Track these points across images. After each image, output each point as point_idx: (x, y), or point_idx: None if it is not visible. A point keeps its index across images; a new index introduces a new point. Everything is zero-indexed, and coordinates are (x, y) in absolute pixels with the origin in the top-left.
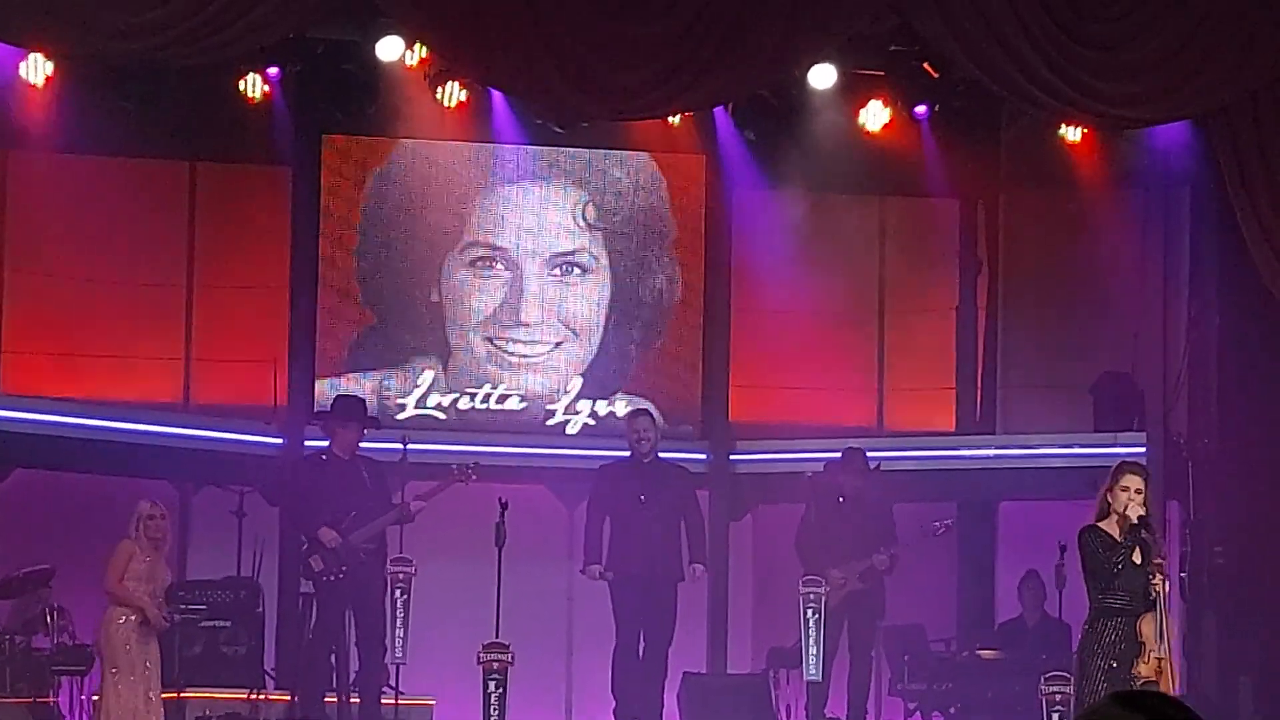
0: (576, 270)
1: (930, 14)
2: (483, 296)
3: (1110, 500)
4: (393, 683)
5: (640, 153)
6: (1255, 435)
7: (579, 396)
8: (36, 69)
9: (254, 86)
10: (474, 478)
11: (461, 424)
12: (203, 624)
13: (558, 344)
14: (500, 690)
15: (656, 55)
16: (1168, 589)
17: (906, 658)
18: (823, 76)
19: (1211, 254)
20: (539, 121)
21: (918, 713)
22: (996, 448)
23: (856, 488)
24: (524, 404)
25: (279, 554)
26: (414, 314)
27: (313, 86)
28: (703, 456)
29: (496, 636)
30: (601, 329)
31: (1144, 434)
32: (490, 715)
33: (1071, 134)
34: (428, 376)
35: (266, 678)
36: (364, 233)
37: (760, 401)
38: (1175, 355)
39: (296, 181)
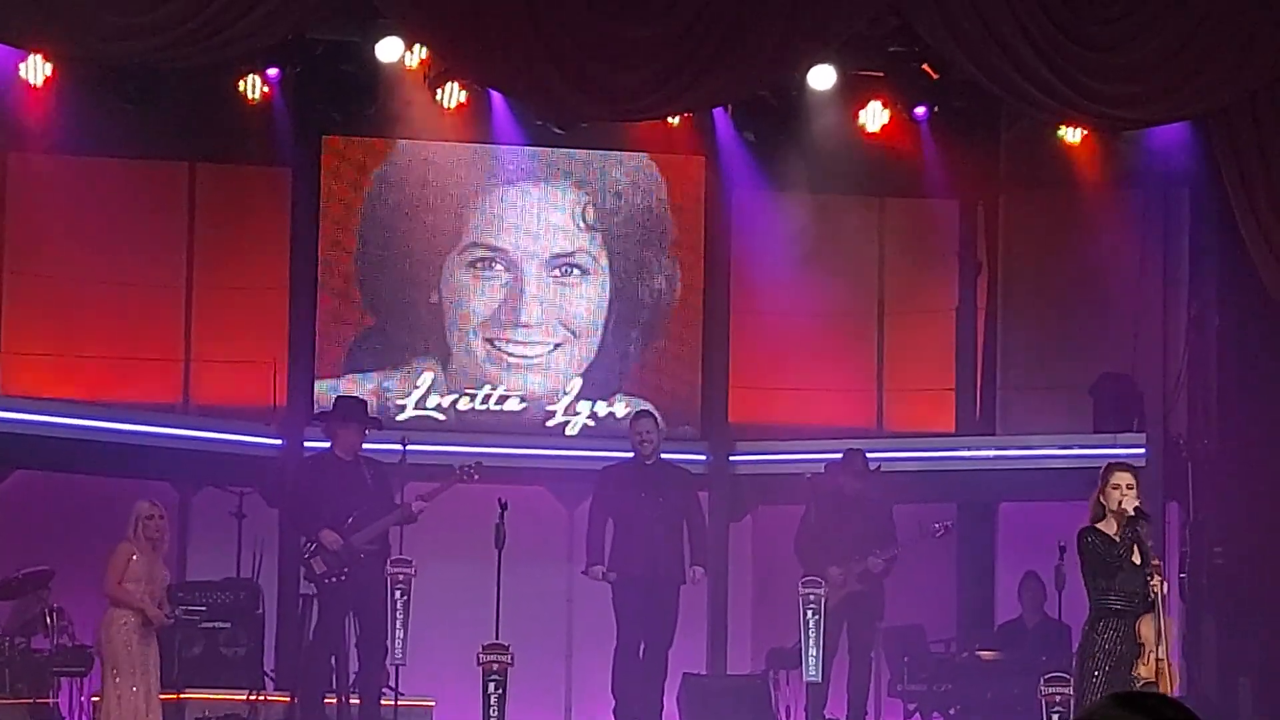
0: (576, 271)
1: (930, 15)
2: (482, 297)
3: (1104, 501)
4: (392, 684)
5: (640, 154)
6: (1255, 436)
7: (578, 397)
8: (36, 70)
9: (254, 87)
10: (476, 477)
11: (461, 425)
12: (202, 625)
13: (557, 345)
14: (500, 691)
15: (656, 56)
16: (1167, 590)
17: (906, 658)
18: (822, 77)
19: (1211, 254)
20: (538, 122)
21: (917, 713)
22: (996, 448)
23: (857, 489)
24: (524, 405)
25: (279, 555)
26: (413, 315)
27: (312, 87)
28: (702, 457)
29: (496, 637)
30: (601, 330)
31: (1144, 434)
32: (490, 716)
33: (1071, 135)
34: (427, 377)
35: (266, 679)
36: (363, 234)
37: (760, 402)
38: (1175, 356)
39: (296, 182)
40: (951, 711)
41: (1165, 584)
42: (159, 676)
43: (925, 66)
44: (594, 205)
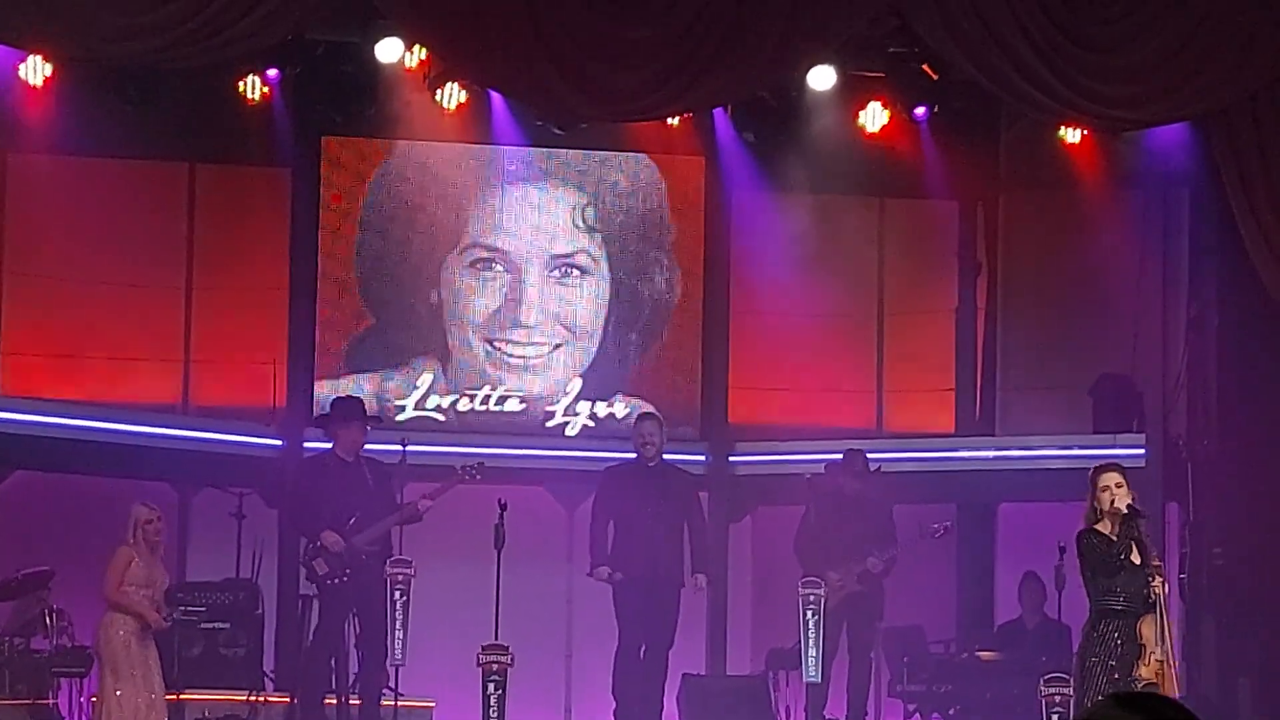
0: (576, 272)
1: (929, 16)
2: (482, 298)
3: (1097, 504)
4: (392, 684)
5: (639, 154)
6: (1255, 436)
7: (578, 398)
8: (36, 70)
9: (253, 88)
10: (479, 477)
11: (461, 425)
12: (202, 626)
13: (557, 346)
14: (500, 692)
15: (656, 56)
16: (1167, 590)
17: (906, 659)
18: (822, 78)
19: (1210, 255)
20: (538, 123)
21: (917, 714)
22: (996, 449)
23: (857, 489)
24: (523, 405)
25: (278, 556)
26: (413, 315)
27: (312, 88)
28: (702, 458)
29: (496, 638)
30: (601, 331)
31: (1143, 435)
32: (490, 717)
33: (1071, 135)
34: (427, 378)
35: (265, 679)
36: (363, 234)
37: (759, 403)
38: (1174, 356)
39: (296, 183)
40: (951, 712)
41: (1166, 584)
42: (161, 677)
43: (925, 67)
44: (594, 206)
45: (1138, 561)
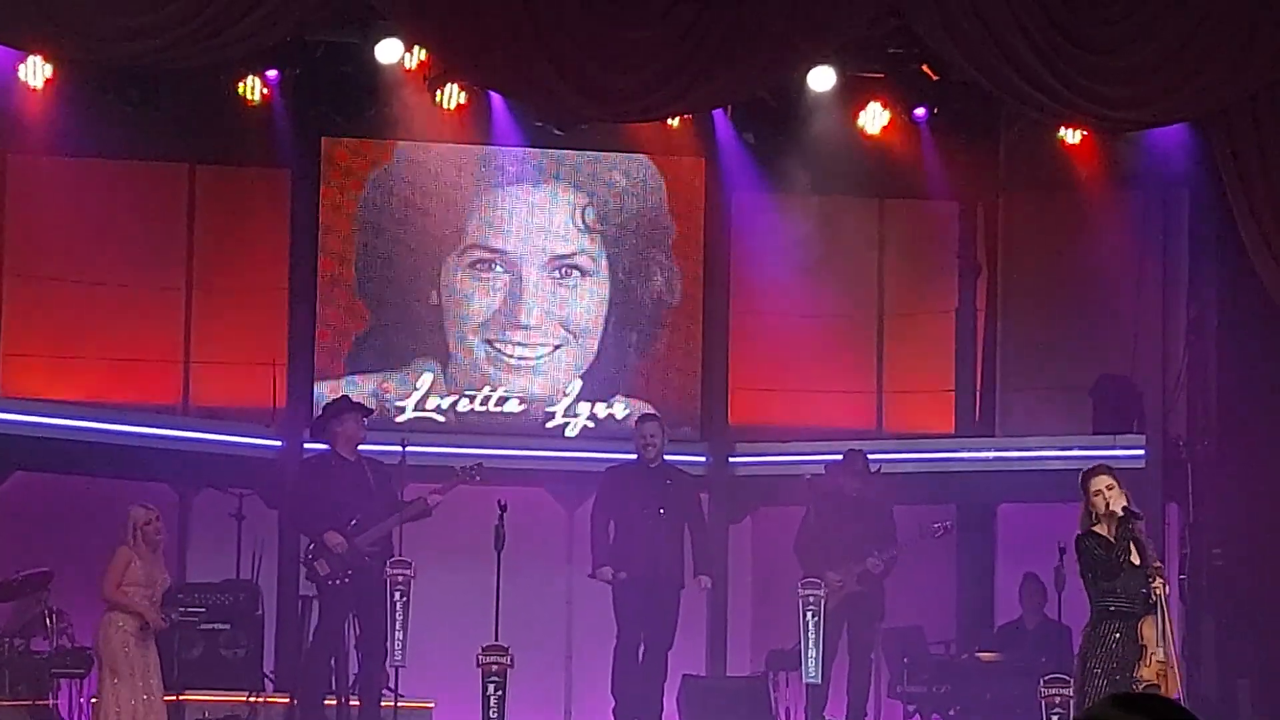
0: (576, 273)
1: (929, 16)
2: (482, 299)
3: (1091, 508)
4: (392, 685)
5: (639, 155)
6: (1254, 437)
7: (578, 399)
8: (36, 71)
9: (253, 89)
10: (478, 479)
11: (461, 426)
12: (202, 626)
13: (557, 346)
14: (500, 692)
15: (655, 58)
16: (1168, 592)
17: (906, 660)
18: (822, 79)
19: (1210, 256)
20: (538, 124)
21: (917, 715)
22: (996, 450)
23: (857, 490)
24: (523, 406)
25: (278, 557)
26: (413, 316)
27: (312, 89)
28: (702, 459)
29: (496, 639)
30: (601, 331)
31: (1143, 436)
32: (489, 717)
33: (1070, 136)
34: (427, 379)
35: (265, 680)
36: (363, 235)
37: (759, 404)
38: (1174, 357)
39: (295, 184)
40: (951, 713)
41: (1166, 585)
42: (160, 678)
43: (925, 68)
44: (593, 207)
45: (1137, 562)
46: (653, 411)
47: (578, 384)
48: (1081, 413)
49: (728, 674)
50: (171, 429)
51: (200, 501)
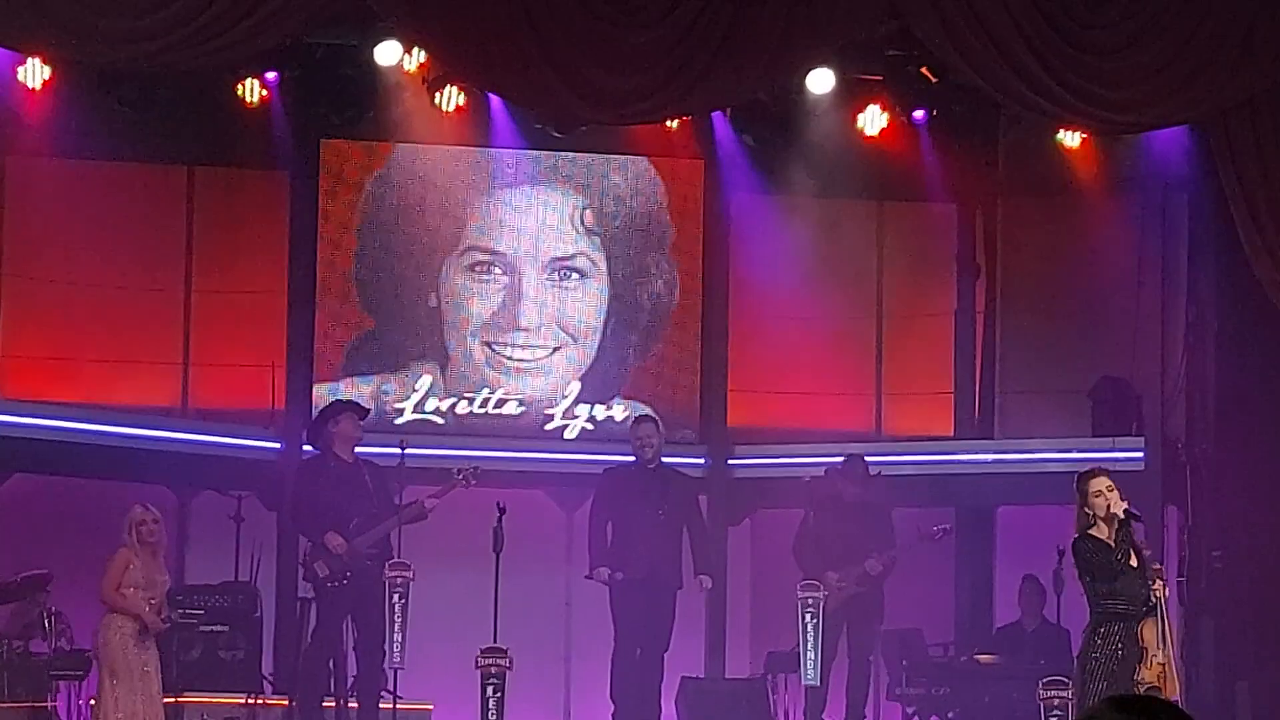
0: (575, 275)
1: (928, 19)
2: (481, 301)
3: (1089, 510)
4: (391, 687)
5: (639, 157)
6: (1253, 439)
7: (577, 401)
8: (34, 73)
9: (252, 91)
10: (472, 482)
11: (459, 428)
12: (200, 628)
13: (556, 349)
14: (498, 695)
15: (654, 60)
16: (1167, 594)
17: (905, 662)
18: (821, 81)
19: (1209, 258)
20: (537, 126)
21: (916, 717)
22: (994, 452)
23: (857, 493)
24: (522, 409)
25: (277, 559)
26: (412, 318)
27: (311, 91)
28: (701, 461)
29: (495, 641)
30: (600, 334)
31: (1142, 438)
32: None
33: (1069, 139)
34: (426, 381)
35: (264, 682)
36: (362, 237)
37: (758, 406)
38: (1173, 359)
39: (294, 186)
40: (950, 715)
41: (1166, 587)
42: (160, 680)
43: (924, 70)
44: (593, 209)
45: (1135, 565)
46: (648, 413)
47: (577, 386)
48: (1080, 415)
49: (726, 676)
50: (170, 431)
51: (199, 503)
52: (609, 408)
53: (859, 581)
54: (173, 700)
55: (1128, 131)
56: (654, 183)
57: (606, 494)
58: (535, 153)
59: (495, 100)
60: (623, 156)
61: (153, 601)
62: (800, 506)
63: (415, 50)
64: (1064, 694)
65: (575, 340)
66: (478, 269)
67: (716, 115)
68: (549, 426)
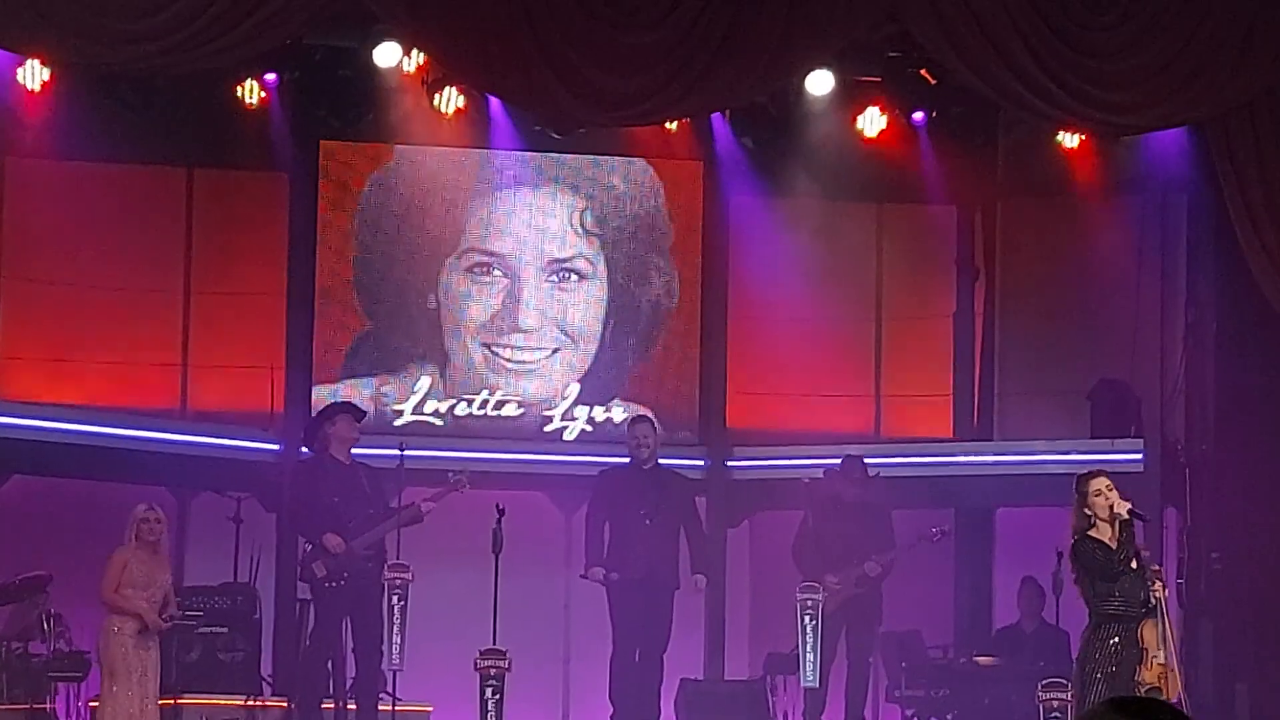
0: (574, 276)
1: (927, 21)
2: (480, 303)
3: (1090, 511)
4: (390, 689)
5: (638, 159)
6: (1252, 441)
7: (576, 403)
8: (33, 74)
9: (251, 92)
10: (466, 487)
11: (459, 430)
12: (200, 630)
13: (555, 350)
14: (497, 696)
15: (653, 61)
16: (1166, 594)
17: (904, 664)
18: (820, 83)
19: (1208, 260)
20: (536, 128)
21: (915, 719)
22: (994, 454)
23: (856, 495)
24: (521, 410)
25: (276, 560)
26: (411, 320)
27: (310, 93)
28: (700, 463)
29: (494, 642)
30: (599, 335)
31: (1141, 440)
32: None
33: (1069, 140)
34: (425, 383)
35: (263, 684)
36: (361, 239)
37: (757, 408)
38: (1172, 361)
39: (294, 187)
40: (949, 717)
41: (1165, 588)
42: (158, 682)
43: (923, 72)
44: (592, 210)
45: (1135, 566)
46: (644, 413)
47: (576, 387)
48: (1079, 417)
49: (725, 677)
50: (169, 433)
51: (198, 505)
52: (608, 409)
53: (858, 583)
54: (171, 702)
55: (1127, 133)
56: (653, 185)
57: (603, 495)
58: (535, 155)
59: (494, 102)
60: (622, 158)
61: (152, 601)
62: (799, 508)
63: (414, 52)
64: (1063, 696)
65: (574, 342)
66: (477, 271)
67: (716, 117)
68: (548, 428)
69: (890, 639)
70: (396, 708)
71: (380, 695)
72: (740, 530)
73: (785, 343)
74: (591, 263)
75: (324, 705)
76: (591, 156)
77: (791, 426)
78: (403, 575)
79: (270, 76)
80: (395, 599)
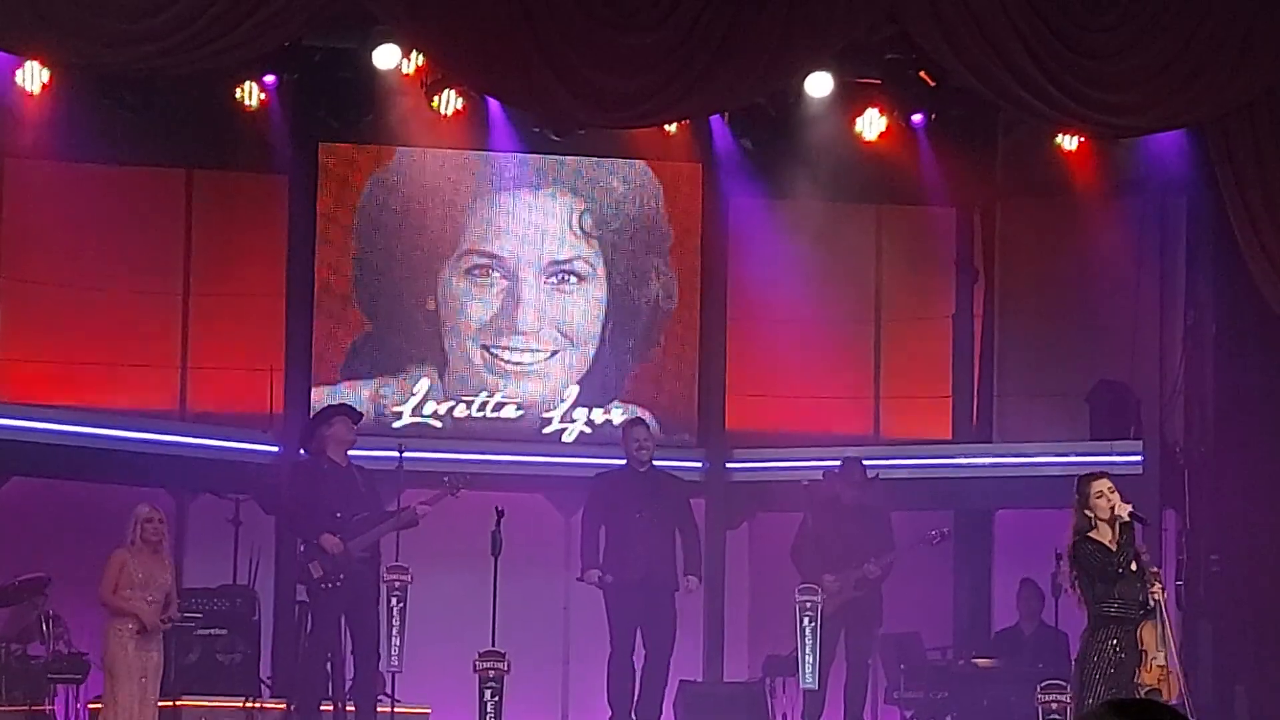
0: (573, 278)
1: (926, 22)
2: (479, 305)
3: (1091, 512)
4: (389, 691)
5: (637, 161)
6: (1252, 443)
7: (575, 404)
8: (33, 76)
9: (251, 94)
10: (460, 491)
11: (458, 432)
12: (199, 632)
13: (554, 352)
14: (496, 698)
15: (653, 63)
16: (1166, 596)
17: (903, 666)
18: (819, 85)
19: (1208, 262)
20: (536, 129)
21: None
22: (993, 456)
23: (855, 497)
24: (520, 412)
25: (275, 562)
26: (410, 322)
27: (309, 94)
28: (699, 465)
29: (493, 644)
30: (598, 337)
31: (1140, 442)
32: None
33: (1068, 142)
34: (424, 384)
35: (262, 686)
36: (360, 241)
37: (756, 410)
38: (1171, 363)
39: (293, 189)
40: (948, 719)
41: (1165, 590)
42: (158, 683)
43: (922, 74)
44: (591, 212)
45: (1135, 568)
46: (640, 416)
47: (575, 389)
48: (1079, 419)
49: (725, 679)
50: (168, 434)
51: (197, 507)
52: (607, 411)
53: (857, 585)
54: (171, 703)
55: (1126, 135)
56: (652, 186)
57: (599, 499)
58: (534, 156)
59: (494, 104)
60: (621, 160)
61: (152, 601)
62: (799, 510)
63: (414, 53)
64: (1062, 698)
65: (573, 344)
66: (476, 272)
67: (715, 119)
68: (547, 430)
69: (889, 641)
70: (395, 709)
71: (379, 697)
72: (739, 532)
73: (784, 344)
74: (591, 264)
75: (323, 707)
76: (591, 158)
77: (791, 428)
78: (402, 577)
79: (270, 78)
80: (394, 600)
